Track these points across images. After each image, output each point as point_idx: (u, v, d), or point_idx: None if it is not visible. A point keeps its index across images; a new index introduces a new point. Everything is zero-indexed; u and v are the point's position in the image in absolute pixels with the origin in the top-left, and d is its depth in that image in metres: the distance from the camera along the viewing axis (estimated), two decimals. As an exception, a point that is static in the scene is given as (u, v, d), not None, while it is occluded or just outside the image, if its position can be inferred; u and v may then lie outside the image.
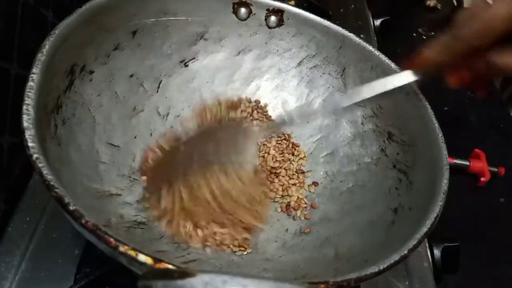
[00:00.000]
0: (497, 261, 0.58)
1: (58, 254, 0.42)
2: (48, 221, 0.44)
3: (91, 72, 0.43)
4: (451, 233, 0.51)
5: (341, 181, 0.49)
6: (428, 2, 0.97)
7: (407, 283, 0.47)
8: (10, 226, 0.43)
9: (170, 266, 0.26)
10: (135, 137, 0.48)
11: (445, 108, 0.74)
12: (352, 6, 0.83)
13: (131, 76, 0.48)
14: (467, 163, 0.65)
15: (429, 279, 0.47)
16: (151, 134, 0.49)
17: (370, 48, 0.48)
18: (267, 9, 0.52)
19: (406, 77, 0.40)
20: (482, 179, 0.65)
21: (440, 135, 0.40)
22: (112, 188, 0.43)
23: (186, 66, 0.53)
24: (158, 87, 0.51)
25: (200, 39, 0.52)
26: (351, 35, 0.50)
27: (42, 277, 0.41)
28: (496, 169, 0.66)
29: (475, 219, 0.61)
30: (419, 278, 0.47)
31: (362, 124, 0.50)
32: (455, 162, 0.65)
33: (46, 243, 0.43)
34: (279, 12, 0.52)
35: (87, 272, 0.41)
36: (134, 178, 0.46)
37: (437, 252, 0.50)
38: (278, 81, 0.55)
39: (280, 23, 0.52)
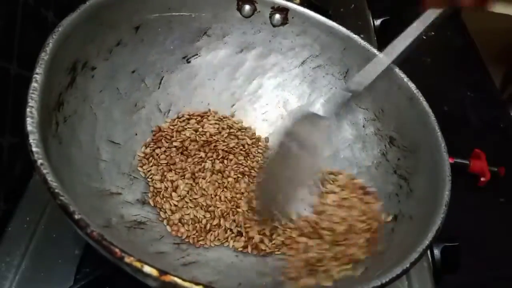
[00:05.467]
0: (497, 261, 0.58)
1: (58, 254, 0.42)
2: (48, 221, 0.44)
3: (93, 68, 0.43)
4: (451, 233, 0.51)
5: (341, 184, 0.49)
6: (428, 2, 0.97)
7: (406, 282, 0.47)
8: (10, 226, 0.43)
9: (175, 279, 0.26)
10: (136, 134, 0.48)
11: (445, 108, 0.74)
12: (352, 6, 0.83)
13: (133, 72, 0.48)
14: (467, 163, 0.66)
15: (428, 279, 0.48)
16: (152, 131, 0.49)
17: (375, 50, 0.48)
18: (272, 7, 0.51)
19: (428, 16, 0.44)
20: (482, 179, 0.65)
21: (442, 145, 0.40)
22: (113, 187, 0.42)
23: (189, 62, 0.52)
24: (160, 83, 0.50)
25: (203, 35, 0.52)
26: (356, 37, 0.49)
27: (42, 277, 0.41)
28: (496, 169, 0.66)
29: (475, 219, 0.61)
30: (419, 278, 0.47)
31: (363, 127, 0.50)
32: (455, 162, 0.65)
33: (46, 243, 0.43)
34: (284, 10, 0.51)
35: (87, 272, 0.41)
36: (134, 176, 0.45)
37: (437, 252, 0.50)
38: (280, 80, 0.55)
39: (284, 21, 0.52)
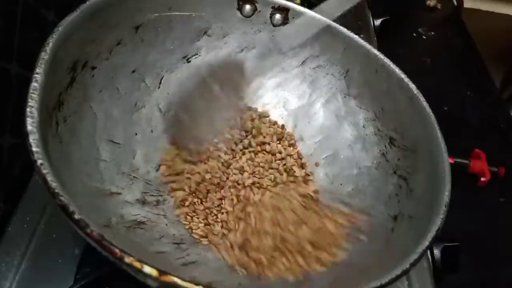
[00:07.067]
0: (497, 261, 0.58)
1: (58, 254, 0.42)
2: (48, 221, 0.44)
3: (93, 68, 0.43)
4: (451, 233, 0.51)
5: (340, 184, 0.49)
6: (428, 2, 0.97)
7: (406, 282, 0.47)
8: (10, 226, 0.43)
9: (175, 279, 0.26)
10: (136, 134, 0.48)
11: (445, 108, 0.74)
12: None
13: (133, 72, 0.48)
14: (467, 163, 0.66)
15: (428, 279, 0.48)
16: (151, 131, 0.49)
17: (375, 51, 0.48)
18: (272, 7, 0.51)
19: None
20: (482, 179, 0.65)
21: (442, 145, 0.40)
22: (113, 187, 0.42)
23: (189, 62, 0.52)
24: (160, 83, 0.50)
25: (203, 35, 0.52)
26: (356, 37, 0.49)
27: (42, 277, 0.41)
28: (496, 169, 0.66)
29: (475, 219, 0.61)
30: (419, 278, 0.47)
31: (363, 127, 0.50)
32: (455, 162, 0.65)
33: (46, 243, 0.43)
34: (284, 10, 0.51)
35: (87, 272, 0.41)
36: (134, 176, 0.45)
37: (437, 252, 0.50)
38: (280, 80, 0.55)
39: (285, 21, 0.52)
